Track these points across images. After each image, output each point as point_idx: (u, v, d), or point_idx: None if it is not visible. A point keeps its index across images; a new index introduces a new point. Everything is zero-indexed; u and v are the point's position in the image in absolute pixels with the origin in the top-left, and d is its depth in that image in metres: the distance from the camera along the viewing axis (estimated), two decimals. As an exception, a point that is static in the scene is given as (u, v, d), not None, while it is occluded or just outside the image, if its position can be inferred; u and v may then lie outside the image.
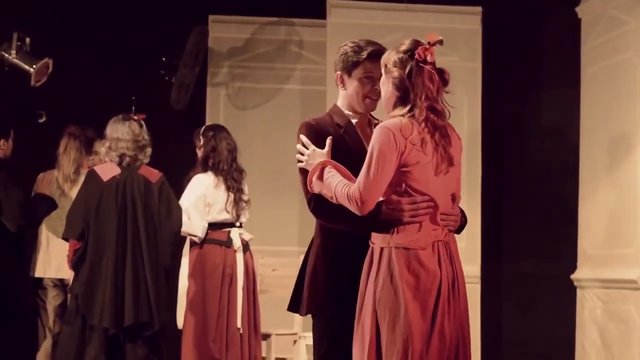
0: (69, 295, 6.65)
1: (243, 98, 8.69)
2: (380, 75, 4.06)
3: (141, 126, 6.22)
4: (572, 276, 7.55)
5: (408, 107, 3.90)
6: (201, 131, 6.86)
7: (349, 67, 4.26)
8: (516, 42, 8.31)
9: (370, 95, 4.23)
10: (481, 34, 8.11)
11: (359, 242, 4.04)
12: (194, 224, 6.57)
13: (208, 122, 8.33)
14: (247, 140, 8.38)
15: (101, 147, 6.20)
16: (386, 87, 3.99)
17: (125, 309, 5.90)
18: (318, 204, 4.09)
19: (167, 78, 8.29)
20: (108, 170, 6.10)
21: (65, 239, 6.05)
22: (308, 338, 6.84)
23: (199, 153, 6.81)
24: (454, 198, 4.02)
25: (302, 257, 4.36)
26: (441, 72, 3.95)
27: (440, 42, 3.92)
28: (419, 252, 3.87)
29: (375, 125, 4.29)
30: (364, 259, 4.00)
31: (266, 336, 6.98)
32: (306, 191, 4.14)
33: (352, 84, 4.26)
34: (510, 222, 8.30)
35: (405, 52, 3.93)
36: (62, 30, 8.15)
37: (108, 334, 5.91)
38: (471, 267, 7.74)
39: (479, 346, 7.79)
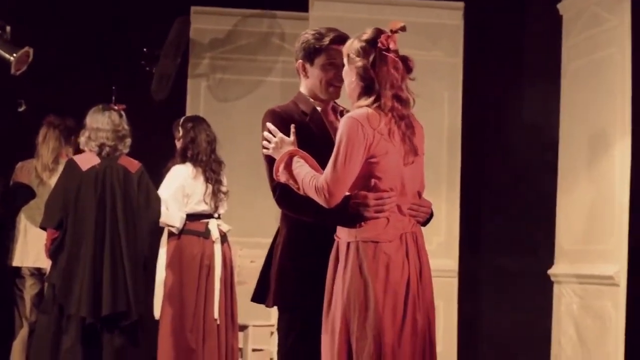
0: (45, 285, 6.63)
1: (224, 90, 8.67)
2: (343, 62, 4.02)
3: (121, 116, 6.21)
4: (550, 271, 7.58)
5: (374, 97, 3.87)
6: (180, 122, 6.85)
7: (310, 55, 4.23)
8: (498, 38, 8.32)
9: (334, 82, 4.20)
10: (463, 29, 8.11)
11: (326, 234, 4.02)
12: (172, 214, 6.57)
13: (188, 114, 8.31)
14: (227, 132, 8.36)
15: (80, 137, 6.18)
16: (350, 77, 3.94)
17: (103, 298, 5.89)
18: (283, 193, 4.05)
19: (148, 68, 8.27)
20: (87, 159, 6.08)
21: (43, 228, 6.03)
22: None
23: (178, 144, 6.80)
24: (420, 189, 4.01)
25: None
26: (405, 60, 3.93)
27: (403, 28, 3.88)
28: (386, 245, 3.84)
29: (341, 112, 4.28)
30: (331, 251, 4.00)
31: (243, 327, 6.98)
32: (271, 179, 4.10)
33: (315, 72, 4.23)
34: (488, 216, 8.32)
35: (367, 40, 3.89)
36: (43, 19, 8.12)
37: (85, 323, 5.89)
38: (449, 261, 7.76)
39: (456, 340, 7.81)
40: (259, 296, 4.31)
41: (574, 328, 7.23)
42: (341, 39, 4.17)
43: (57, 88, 7.96)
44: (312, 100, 4.27)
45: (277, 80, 8.68)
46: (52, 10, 8.18)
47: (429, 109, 7.65)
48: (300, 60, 4.27)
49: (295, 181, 3.93)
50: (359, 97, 3.92)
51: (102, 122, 6.14)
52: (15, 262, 6.75)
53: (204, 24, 8.71)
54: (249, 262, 7.36)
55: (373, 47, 3.87)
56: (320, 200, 3.85)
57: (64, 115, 6.97)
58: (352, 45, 3.92)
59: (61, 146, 6.87)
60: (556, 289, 7.52)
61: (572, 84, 7.55)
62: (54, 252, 5.95)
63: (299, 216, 4.08)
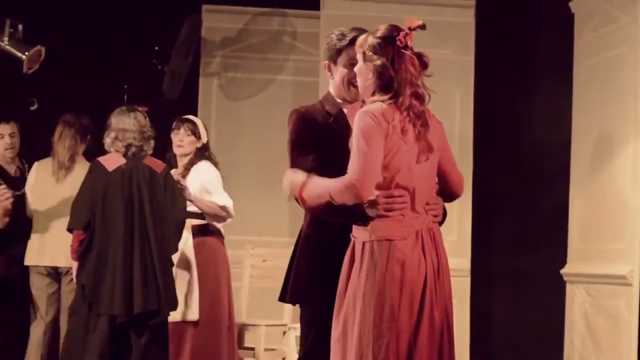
0: (62, 284, 6.66)
1: (236, 88, 8.67)
2: None
3: (145, 117, 6.25)
4: (562, 271, 7.56)
5: (390, 94, 3.86)
6: (196, 122, 6.78)
7: (334, 55, 4.27)
8: (509, 36, 8.30)
9: (355, 81, 4.22)
10: (474, 27, 8.10)
11: (344, 231, 4.03)
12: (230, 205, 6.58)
13: (200, 112, 8.32)
14: (239, 130, 8.38)
15: (106, 138, 6.20)
16: (365, 74, 3.93)
17: (135, 296, 5.91)
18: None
19: (159, 67, 8.27)
20: (113, 160, 6.12)
21: (70, 229, 6.04)
22: (297, 329, 6.84)
23: (194, 143, 6.69)
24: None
25: (292, 248, 4.36)
26: (420, 56, 3.92)
27: (422, 27, 3.88)
28: (401, 243, 3.82)
29: None
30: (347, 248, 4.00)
31: (256, 327, 6.97)
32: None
33: (338, 71, 4.26)
34: (500, 216, 8.30)
35: (383, 37, 3.89)
36: (55, 18, 8.13)
37: (115, 322, 5.92)
38: (461, 260, 7.74)
39: (468, 340, 7.79)
40: (284, 295, 4.32)
41: (586, 328, 7.21)
42: None
43: (68, 87, 7.97)
44: (339, 100, 4.28)
45: (289, 79, 8.67)
46: (64, 8, 8.19)
47: (439, 106, 7.62)
48: (326, 61, 4.30)
49: (323, 196, 3.87)
50: (374, 93, 3.90)
51: (129, 123, 6.17)
52: (31, 261, 6.75)
53: (216, 22, 8.70)
54: (261, 261, 7.36)
55: (390, 44, 3.86)
56: (352, 197, 3.77)
57: (80, 114, 6.96)
58: (367, 42, 3.90)
59: (77, 144, 6.87)
60: (569, 288, 7.50)
61: (584, 82, 7.53)
62: (82, 253, 5.96)
63: (316, 214, 4.07)
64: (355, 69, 3.99)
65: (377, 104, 3.84)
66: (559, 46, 7.87)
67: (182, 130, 6.66)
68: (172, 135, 6.68)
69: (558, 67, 7.86)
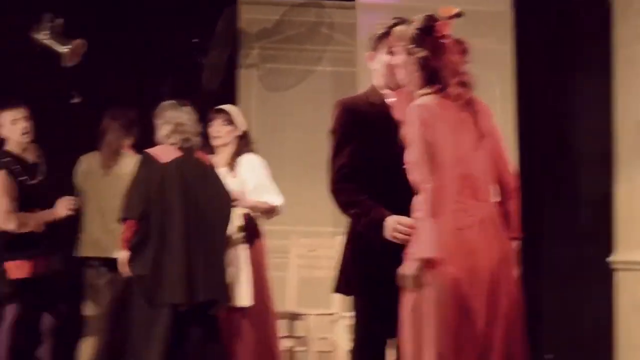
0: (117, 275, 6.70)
1: (274, 79, 8.69)
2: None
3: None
4: (609, 259, 7.52)
5: (438, 86, 3.87)
6: (233, 111, 6.78)
7: (375, 44, 4.30)
8: (547, 25, 8.27)
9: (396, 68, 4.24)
10: (512, 16, 8.07)
11: None
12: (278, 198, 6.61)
13: (240, 104, 8.34)
14: (278, 121, 8.41)
15: (160, 131, 6.26)
16: (408, 67, 3.95)
17: (197, 286, 5.99)
18: (337, 190, 4.17)
19: (198, 60, 8.31)
20: (166, 152, 6.18)
21: (124, 219, 6.09)
22: (347, 318, 6.86)
23: (233, 132, 6.67)
24: (500, 168, 3.97)
25: (337, 237, 4.39)
26: (460, 43, 3.93)
27: (459, 14, 3.89)
28: (466, 232, 3.84)
29: None
30: (393, 244, 4.02)
31: (305, 316, 7.01)
32: (330, 169, 4.20)
33: (380, 60, 4.29)
34: (547, 205, 8.25)
35: (422, 29, 3.90)
36: (94, 12, 8.18)
37: (176, 313, 5.98)
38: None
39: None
40: (337, 286, 4.36)
41: (636, 315, 7.17)
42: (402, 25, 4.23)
43: (108, 80, 8.02)
44: (383, 92, 4.30)
45: (327, 70, 8.69)
46: (103, 3, 8.25)
47: (479, 95, 7.63)
48: (369, 52, 4.32)
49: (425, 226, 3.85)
50: (421, 86, 3.91)
51: (185, 118, 6.29)
52: (84, 253, 6.81)
53: (253, 13, 8.72)
54: (308, 251, 7.40)
55: (429, 35, 3.87)
56: (433, 204, 3.79)
57: (127, 107, 7.00)
58: (406, 34, 3.91)
59: (122, 137, 6.91)
60: (616, 276, 7.47)
61: (624, 70, 7.49)
62: (137, 244, 6.02)
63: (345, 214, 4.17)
64: (398, 62, 4.00)
65: (427, 97, 3.86)
66: (598, 33, 7.82)
67: (217, 121, 6.65)
68: (209, 129, 6.70)
69: (598, 55, 7.81)
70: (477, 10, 7.97)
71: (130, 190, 6.12)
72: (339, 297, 6.86)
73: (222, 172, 6.48)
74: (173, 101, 6.39)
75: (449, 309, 3.78)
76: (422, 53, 3.87)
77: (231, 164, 6.56)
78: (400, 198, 4.10)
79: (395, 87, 4.28)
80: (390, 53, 4.20)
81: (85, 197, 6.80)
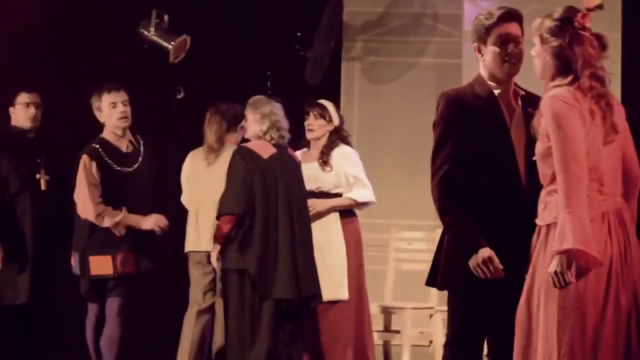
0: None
1: (377, 72, 8.67)
2: (517, 36, 4.06)
3: None
4: None
5: (571, 77, 3.82)
6: (327, 105, 6.75)
7: (482, 35, 4.22)
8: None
9: (509, 58, 4.17)
10: (621, 3, 7.91)
11: (497, 220, 4.05)
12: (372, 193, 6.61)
13: (343, 97, 8.35)
14: (381, 114, 8.38)
15: (261, 126, 6.28)
16: (543, 57, 3.89)
17: (301, 281, 6.05)
18: (441, 183, 4.12)
19: (302, 53, 8.32)
20: (265, 148, 6.20)
21: (225, 214, 6.10)
22: (444, 312, 6.81)
23: (328, 127, 6.66)
24: (629, 166, 3.92)
25: (438, 231, 4.35)
26: (600, 38, 3.88)
27: (600, 6, 3.83)
28: None
29: (522, 97, 4.24)
30: (497, 239, 4.00)
31: (402, 310, 6.98)
32: (433, 162, 4.16)
33: (489, 51, 4.21)
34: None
35: (561, 19, 3.85)
36: (198, 8, 8.26)
37: (280, 307, 6.04)
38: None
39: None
40: (430, 279, 4.33)
41: None
42: (511, 15, 4.19)
43: (213, 75, 8.09)
44: (490, 83, 4.23)
45: (431, 62, 8.63)
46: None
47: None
48: (476, 43, 4.26)
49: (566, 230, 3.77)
50: (554, 77, 3.87)
51: (279, 114, 6.30)
52: (190, 247, 6.85)
53: (357, 6, 8.72)
54: (407, 244, 7.36)
55: (568, 25, 3.83)
56: (571, 194, 3.73)
57: (232, 102, 7.03)
58: (544, 25, 3.88)
59: (223, 130, 6.92)
60: None
61: None
62: (241, 238, 6.08)
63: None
64: (532, 52, 3.96)
65: (563, 89, 3.81)
66: None
67: (311, 115, 6.64)
68: (305, 122, 6.70)
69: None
70: None
71: (232, 185, 6.15)
72: (436, 291, 6.82)
73: (314, 166, 6.49)
74: (265, 97, 6.41)
75: (561, 293, 3.74)
76: (556, 42, 3.83)
77: (324, 158, 6.55)
78: (504, 195, 4.09)
79: (506, 76, 4.22)
80: (501, 43, 4.14)
81: (189, 191, 6.85)
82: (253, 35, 8.36)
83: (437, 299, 6.99)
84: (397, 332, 7.00)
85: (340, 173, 6.51)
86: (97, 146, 6.18)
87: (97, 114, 6.27)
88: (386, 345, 7.07)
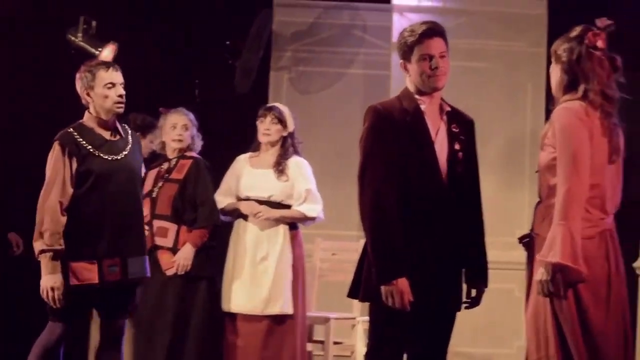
0: None
1: (306, 82, 8.68)
2: (441, 51, 4.15)
3: None
4: (635, 264, 7.42)
5: (581, 93, 3.88)
6: (284, 110, 6.71)
7: (406, 52, 4.26)
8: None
9: (432, 73, 4.22)
10: (547, 19, 8.00)
11: (418, 229, 4.06)
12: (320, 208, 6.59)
13: (271, 106, 8.33)
14: (309, 124, 8.36)
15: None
16: (555, 73, 4.00)
17: None
18: (370, 198, 4.13)
19: (230, 62, 8.31)
20: None
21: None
22: (366, 322, 6.83)
23: (277, 132, 6.61)
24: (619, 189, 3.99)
25: (362, 242, 4.36)
26: (612, 59, 3.94)
27: (612, 26, 3.91)
28: (587, 242, 3.83)
29: (447, 112, 4.28)
30: (422, 256, 4.06)
31: (325, 320, 6.99)
32: (360, 175, 4.18)
33: (413, 67, 4.25)
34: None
35: (575, 38, 3.94)
36: (126, 14, 8.21)
37: None
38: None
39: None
40: (352, 290, 4.34)
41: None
42: (433, 30, 4.24)
43: (139, 83, 8.02)
44: (417, 97, 4.26)
45: (360, 73, 8.65)
46: (136, 6, 8.26)
47: (511, 99, 7.62)
48: (401, 60, 4.29)
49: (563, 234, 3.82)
50: (564, 92, 3.93)
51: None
52: None
53: (287, 16, 8.71)
54: (331, 254, 7.37)
55: (580, 43, 3.92)
56: (569, 207, 3.77)
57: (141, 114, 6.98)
58: (560, 44, 3.99)
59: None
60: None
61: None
62: None
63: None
64: (550, 70, 4.02)
65: (575, 103, 3.87)
66: (633, 35, 7.73)
67: (268, 118, 6.58)
68: (258, 123, 6.61)
69: (635, 57, 7.70)
70: (512, 13, 7.92)
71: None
72: (358, 302, 6.84)
73: (268, 173, 6.47)
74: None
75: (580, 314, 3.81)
76: (565, 57, 3.90)
77: (280, 167, 6.52)
78: (434, 208, 4.15)
79: (430, 90, 4.25)
80: (424, 60, 4.18)
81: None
82: (182, 43, 8.32)
83: (359, 309, 7.01)
84: (321, 342, 7.00)
85: (295, 185, 6.49)
86: (73, 131, 5.20)
87: (82, 93, 5.26)
88: (309, 356, 7.06)
